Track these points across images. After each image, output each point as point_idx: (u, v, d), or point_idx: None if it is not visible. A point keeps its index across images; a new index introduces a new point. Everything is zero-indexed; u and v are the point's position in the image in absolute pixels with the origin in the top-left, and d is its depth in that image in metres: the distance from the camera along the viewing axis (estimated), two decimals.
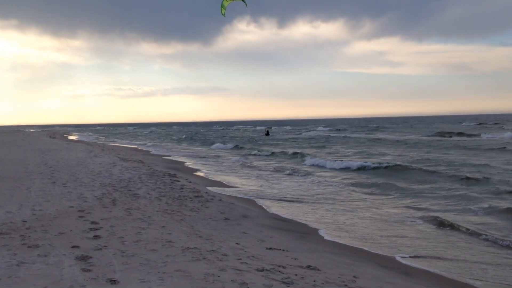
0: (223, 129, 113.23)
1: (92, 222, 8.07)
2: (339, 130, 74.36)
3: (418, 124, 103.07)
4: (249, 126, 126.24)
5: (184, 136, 67.43)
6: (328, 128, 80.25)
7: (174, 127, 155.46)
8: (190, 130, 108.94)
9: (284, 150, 33.68)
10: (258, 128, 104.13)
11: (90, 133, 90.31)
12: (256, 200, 13.00)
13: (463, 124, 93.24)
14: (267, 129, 77.76)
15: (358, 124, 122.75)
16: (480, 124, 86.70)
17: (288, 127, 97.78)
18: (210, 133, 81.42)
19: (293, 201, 13.23)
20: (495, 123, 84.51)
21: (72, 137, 68.25)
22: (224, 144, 43.78)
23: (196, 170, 20.99)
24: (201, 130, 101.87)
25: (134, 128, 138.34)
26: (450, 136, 48.80)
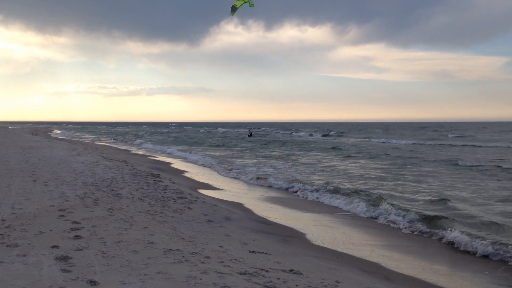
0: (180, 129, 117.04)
1: (73, 222, 7.95)
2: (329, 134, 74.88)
3: (394, 129, 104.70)
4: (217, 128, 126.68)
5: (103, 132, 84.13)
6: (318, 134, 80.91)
7: (144, 126, 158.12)
8: (147, 129, 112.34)
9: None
10: (220, 129, 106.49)
11: (65, 131, 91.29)
12: (239, 203, 12.99)
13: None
14: (251, 130, 79.21)
15: (351, 127, 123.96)
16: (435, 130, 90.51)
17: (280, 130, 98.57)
18: (165, 132, 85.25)
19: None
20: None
21: (54, 134, 67.44)
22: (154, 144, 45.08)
23: (182, 172, 20.89)
24: (159, 130, 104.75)
25: (106, 127, 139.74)
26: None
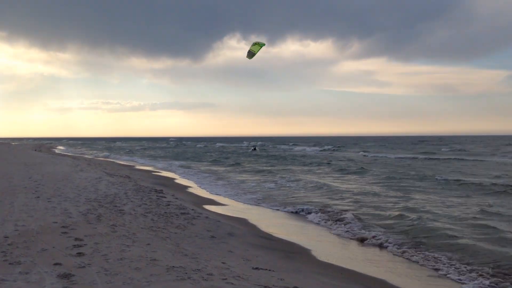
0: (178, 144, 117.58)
1: (76, 239, 7.92)
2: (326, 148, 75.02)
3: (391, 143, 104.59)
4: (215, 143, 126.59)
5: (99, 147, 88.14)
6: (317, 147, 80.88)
7: (144, 142, 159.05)
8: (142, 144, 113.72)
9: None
10: (218, 144, 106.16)
11: (73, 147, 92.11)
12: (243, 218, 12.93)
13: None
14: (255, 145, 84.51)
15: (348, 142, 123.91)
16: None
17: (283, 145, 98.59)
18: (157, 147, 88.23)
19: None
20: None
21: (58, 150, 67.63)
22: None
23: (185, 187, 20.86)
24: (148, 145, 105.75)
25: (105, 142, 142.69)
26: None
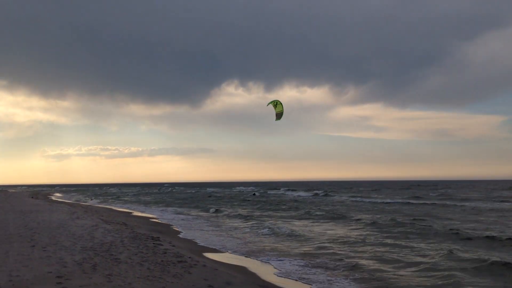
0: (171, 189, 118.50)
1: None
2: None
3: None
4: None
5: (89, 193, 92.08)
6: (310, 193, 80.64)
7: (137, 187, 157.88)
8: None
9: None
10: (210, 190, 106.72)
11: (73, 193, 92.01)
12: (242, 266, 12.74)
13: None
14: (254, 191, 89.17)
15: (342, 186, 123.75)
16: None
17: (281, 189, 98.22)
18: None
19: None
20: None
21: (55, 197, 67.21)
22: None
23: (182, 233, 20.62)
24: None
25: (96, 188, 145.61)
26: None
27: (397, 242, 17.25)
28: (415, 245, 16.64)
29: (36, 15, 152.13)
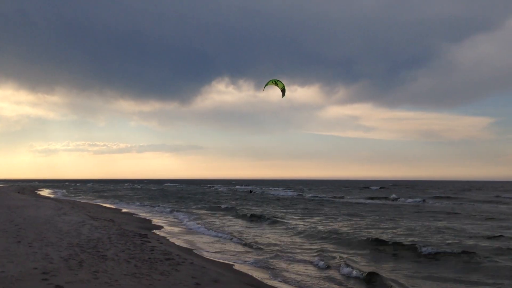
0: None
1: (56, 286, 7.72)
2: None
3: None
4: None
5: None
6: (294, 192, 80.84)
7: (127, 184, 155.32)
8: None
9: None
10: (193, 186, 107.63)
11: (58, 189, 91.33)
12: (229, 264, 12.72)
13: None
14: (251, 189, 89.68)
15: (332, 185, 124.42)
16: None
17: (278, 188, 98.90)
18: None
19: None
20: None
21: (41, 193, 66.59)
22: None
23: (170, 231, 20.53)
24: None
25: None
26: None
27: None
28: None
29: (25, 8, 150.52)
